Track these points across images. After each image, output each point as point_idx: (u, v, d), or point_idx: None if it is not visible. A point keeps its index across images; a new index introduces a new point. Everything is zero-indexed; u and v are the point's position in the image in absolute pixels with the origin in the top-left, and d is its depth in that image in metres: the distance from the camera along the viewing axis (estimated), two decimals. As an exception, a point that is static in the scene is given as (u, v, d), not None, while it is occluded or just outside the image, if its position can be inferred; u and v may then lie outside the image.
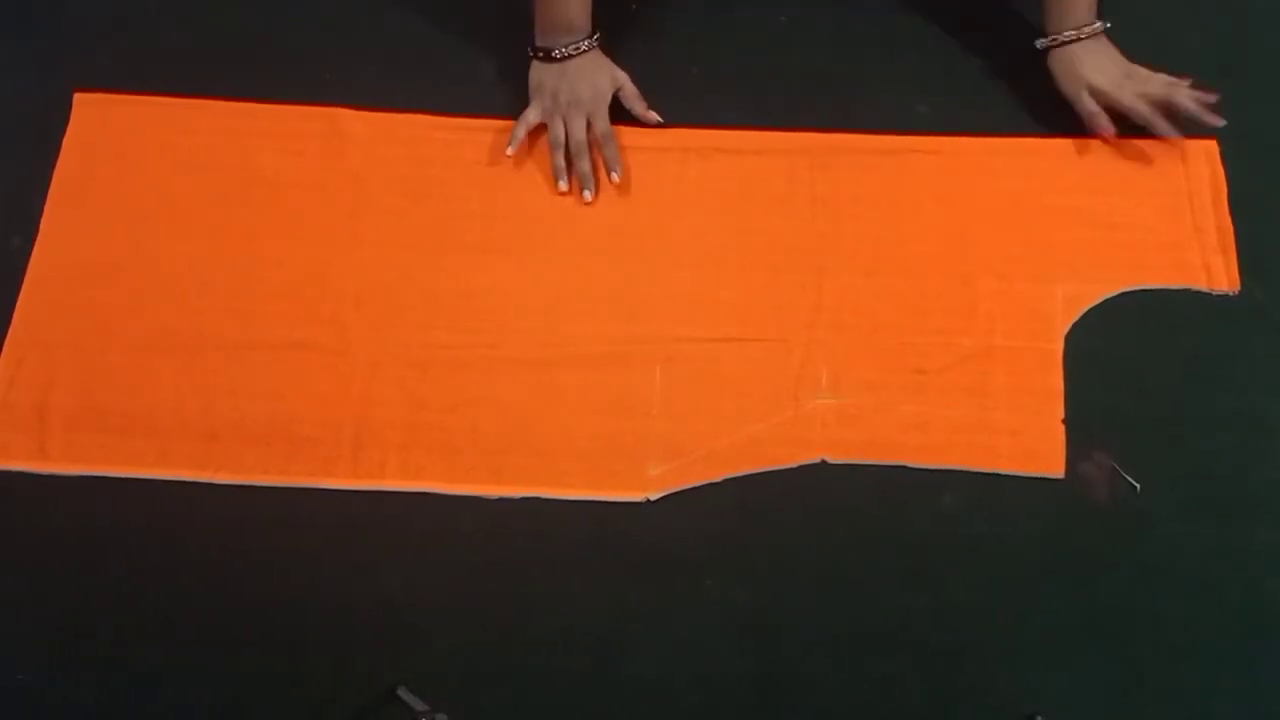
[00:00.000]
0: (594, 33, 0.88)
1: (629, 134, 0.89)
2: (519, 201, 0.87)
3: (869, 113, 0.90)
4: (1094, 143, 0.88)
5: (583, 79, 0.87)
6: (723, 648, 0.74)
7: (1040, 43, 0.89)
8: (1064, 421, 0.79)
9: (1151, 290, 0.83)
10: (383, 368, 0.81)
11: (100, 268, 0.84)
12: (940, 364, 0.81)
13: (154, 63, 0.92)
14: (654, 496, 0.77)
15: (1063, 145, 0.89)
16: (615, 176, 0.86)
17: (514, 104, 0.89)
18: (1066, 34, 0.87)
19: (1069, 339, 0.81)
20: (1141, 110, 0.86)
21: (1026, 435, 0.79)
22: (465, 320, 0.83)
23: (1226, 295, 0.83)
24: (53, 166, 0.87)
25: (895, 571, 0.76)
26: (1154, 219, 0.86)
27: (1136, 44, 0.91)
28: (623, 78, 0.89)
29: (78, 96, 0.90)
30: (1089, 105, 0.87)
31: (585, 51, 0.88)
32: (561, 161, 0.87)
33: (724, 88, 0.91)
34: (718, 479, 0.78)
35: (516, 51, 0.92)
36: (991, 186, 0.87)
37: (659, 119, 0.89)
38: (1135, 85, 0.87)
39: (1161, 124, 0.86)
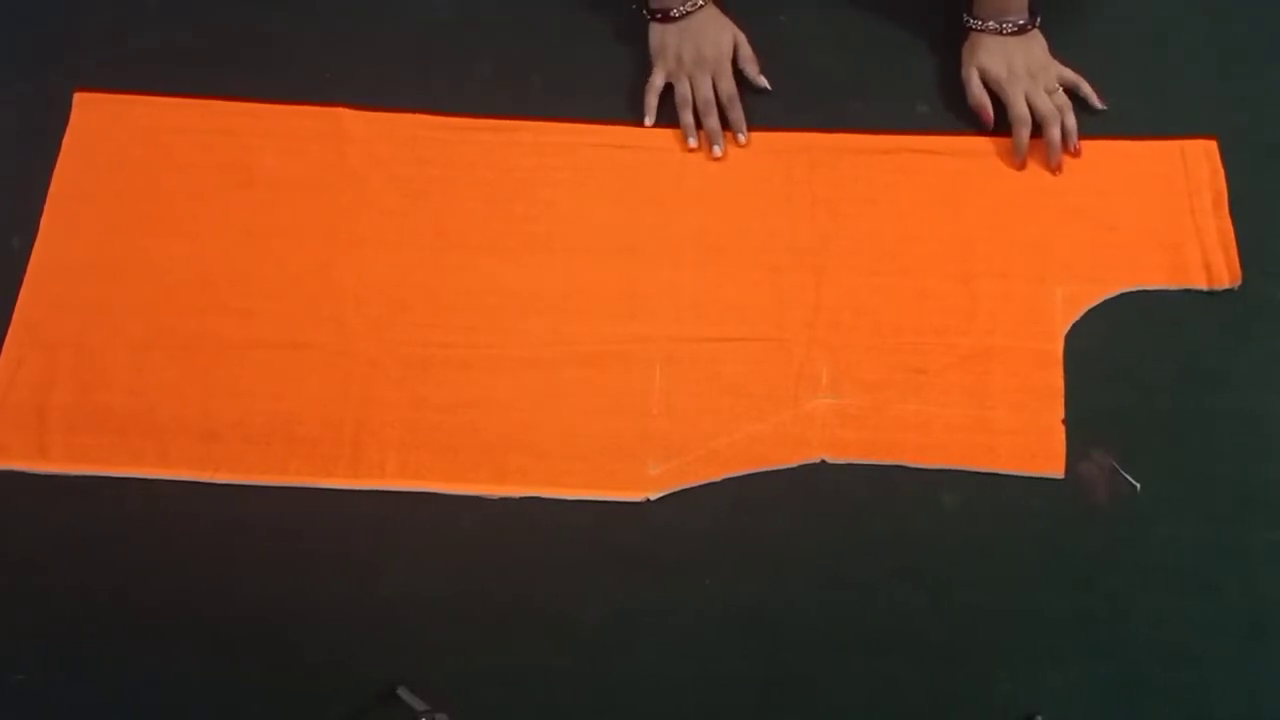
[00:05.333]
0: None
1: (628, 134, 0.89)
2: (519, 201, 0.87)
3: (869, 113, 0.90)
4: (1093, 143, 0.88)
5: (705, 38, 0.89)
6: (723, 648, 0.74)
7: (965, 20, 0.89)
8: (1064, 421, 0.79)
9: (1151, 290, 0.83)
10: (383, 367, 0.81)
11: (100, 267, 0.84)
12: (940, 364, 0.81)
13: (154, 63, 0.92)
14: (654, 496, 0.77)
15: (1063, 145, 0.89)
16: (743, 138, 0.88)
17: (514, 104, 0.90)
18: (981, 23, 0.88)
19: (1069, 339, 0.81)
20: (1018, 112, 0.86)
21: (1026, 435, 0.79)
22: (465, 320, 0.83)
23: (1227, 295, 0.83)
24: (53, 166, 0.87)
25: (895, 571, 0.76)
26: (1154, 219, 0.86)
27: (1135, 42, 0.92)
28: (741, 37, 0.90)
29: (78, 96, 0.90)
30: (974, 87, 0.87)
31: (703, 7, 0.89)
32: (690, 120, 0.88)
33: (724, 88, 0.91)
34: (718, 479, 0.78)
35: (516, 51, 0.92)
36: (991, 186, 0.87)
37: (767, 85, 0.90)
38: (1032, 86, 0.86)
39: (1023, 138, 0.86)
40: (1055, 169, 0.86)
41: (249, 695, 0.73)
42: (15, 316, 0.82)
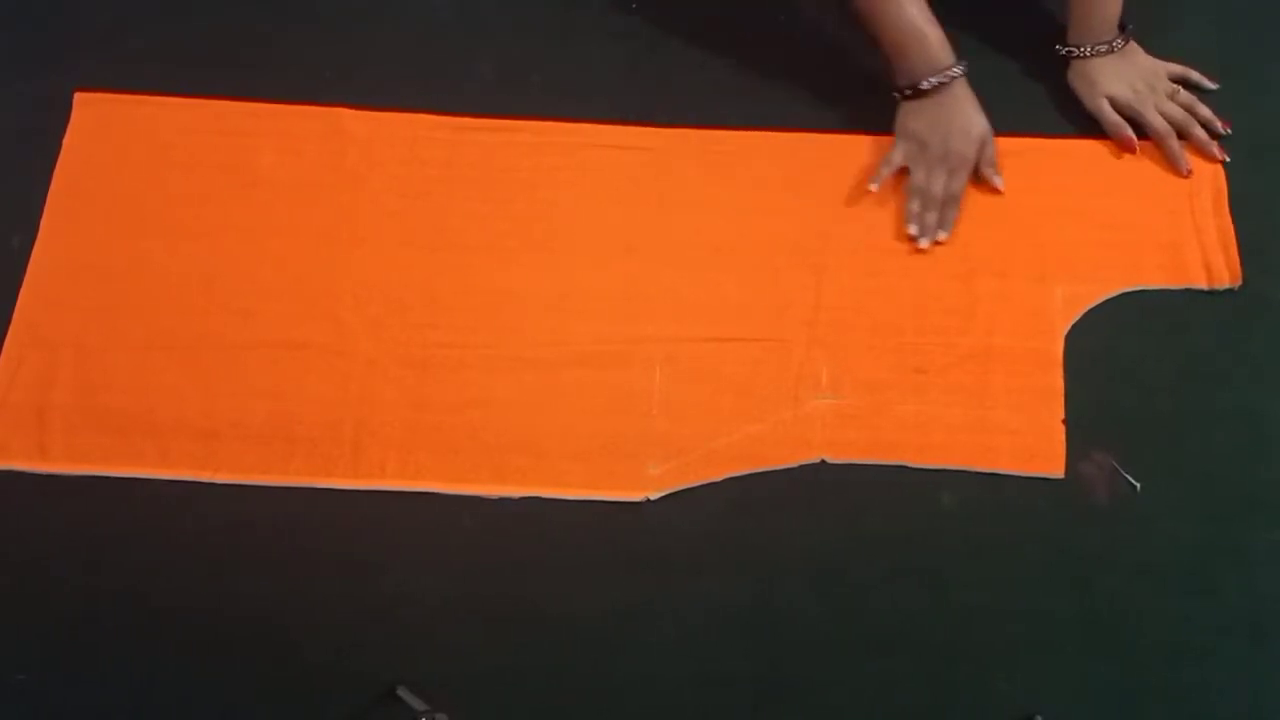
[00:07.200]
0: (960, 59, 0.85)
1: (628, 134, 0.89)
2: (519, 201, 0.87)
3: (869, 113, 0.90)
4: (1094, 143, 0.88)
5: (955, 128, 0.84)
6: (723, 648, 0.74)
7: (1061, 49, 0.89)
8: (1064, 421, 0.79)
9: (1151, 290, 0.83)
10: (382, 367, 0.81)
11: (100, 267, 0.84)
12: (940, 364, 0.81)
13: (154, 63, 0.92)
14: (654, 496, 0.77)
15: (1063, 145, 0.89)
16: (943, 236, 0.84)
17: (514, 104, 0.89)
18: (1088, 48, 0.87)
19: (1069, 339, 0.81)
20: (1160, 128, 0.86)
21: (1026, 435, 0.79)
22: (465, 320, 0.83)
23: (1227, 295, 0.83)
24: (53, 166, 0.87)
25: (895, 571, 0.76)
26: (1154, 219, 0.86)
27: (1135, 41, 0.91)
28: (989, 134, 0.85)
29: (78, 96, 0.90)
30: (1110, 116, 0.87)
31: (958, 78, 0.84)
32: (917, 208, 0.85)
33: (724, 88, 0.91)
34: (718, 479, 0.78)
35: (516, 51, 0.92)
36: (991, 186, 0.87)
37: (1001, 186, 0.86)
38: (1157, 98, 0.87)
39: (1175, 148, 0.86)
40: (1221, 161, 0.86)
41: (249, 695, 0.73)
42: (15, 316, 0.82)
